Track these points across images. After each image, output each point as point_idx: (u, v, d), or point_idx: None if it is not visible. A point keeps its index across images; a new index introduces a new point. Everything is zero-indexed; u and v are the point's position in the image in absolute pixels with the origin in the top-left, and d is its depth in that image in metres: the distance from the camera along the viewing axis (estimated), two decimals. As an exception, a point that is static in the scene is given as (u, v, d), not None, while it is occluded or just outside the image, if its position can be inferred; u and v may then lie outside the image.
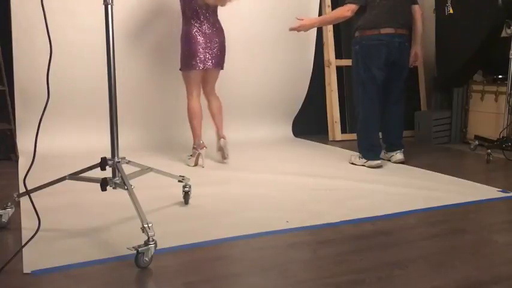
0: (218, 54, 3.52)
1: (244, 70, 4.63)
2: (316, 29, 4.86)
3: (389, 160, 3.83)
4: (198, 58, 3.44)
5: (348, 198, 2.78)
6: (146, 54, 4.22)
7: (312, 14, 4.82)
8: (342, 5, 3.66)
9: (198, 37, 3.44)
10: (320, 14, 4.92)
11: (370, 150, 3.67)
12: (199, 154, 3.57)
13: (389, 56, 3.56)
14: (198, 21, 3.45)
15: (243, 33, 4.49)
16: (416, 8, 3.77)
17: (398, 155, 3.80)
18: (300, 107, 5.08)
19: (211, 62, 3.48)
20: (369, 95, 3.61)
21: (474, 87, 4.79)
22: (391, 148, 3.85)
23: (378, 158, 3.67)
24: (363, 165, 3.65)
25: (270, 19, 4.63)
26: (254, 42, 4.61)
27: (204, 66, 3.47)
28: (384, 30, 3.52)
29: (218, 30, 3.54)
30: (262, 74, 4.75)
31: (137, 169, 2.34)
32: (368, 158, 3.65)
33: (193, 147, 3.60)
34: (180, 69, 3.57)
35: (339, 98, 5.06)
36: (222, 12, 3.60)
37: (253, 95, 4.77)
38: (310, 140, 4.89)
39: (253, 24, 4.57)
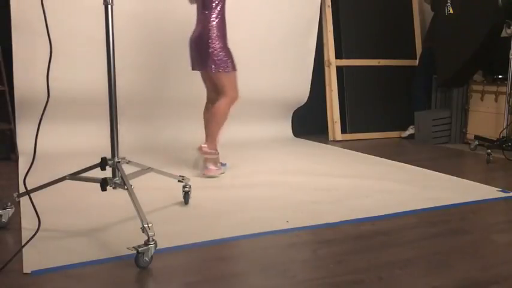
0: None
1: (245, 70, 4.61)
2: (316, 30, 4.88)
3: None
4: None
5: (348, 198, 2.78)
6: (147, 55, 4.22)
7: (313, 15, 4.83)
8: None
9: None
10: (321, 15, 4.92)
11: None
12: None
13: None
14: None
15: (244, 35, 4.48)
16: None
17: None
18: (300, 106, 5.08)
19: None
20: None
21: (474, 87, 4.79)
22: None
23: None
24: None
25: (271, 21, 4.63)
26: (255, 43, 4.61)
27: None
28: None
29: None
30: (263, 74, 4.74)
31: (137, 169, 2.34)
32: None
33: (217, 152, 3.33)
34: (227, 71, 3.25)
35: (339, 98, 5.06)
36: (226, 14, 3.56)
37: (253, 95, 4.75)
38: (310, 140, 4.89)
39: (255, 26, 4.56)
